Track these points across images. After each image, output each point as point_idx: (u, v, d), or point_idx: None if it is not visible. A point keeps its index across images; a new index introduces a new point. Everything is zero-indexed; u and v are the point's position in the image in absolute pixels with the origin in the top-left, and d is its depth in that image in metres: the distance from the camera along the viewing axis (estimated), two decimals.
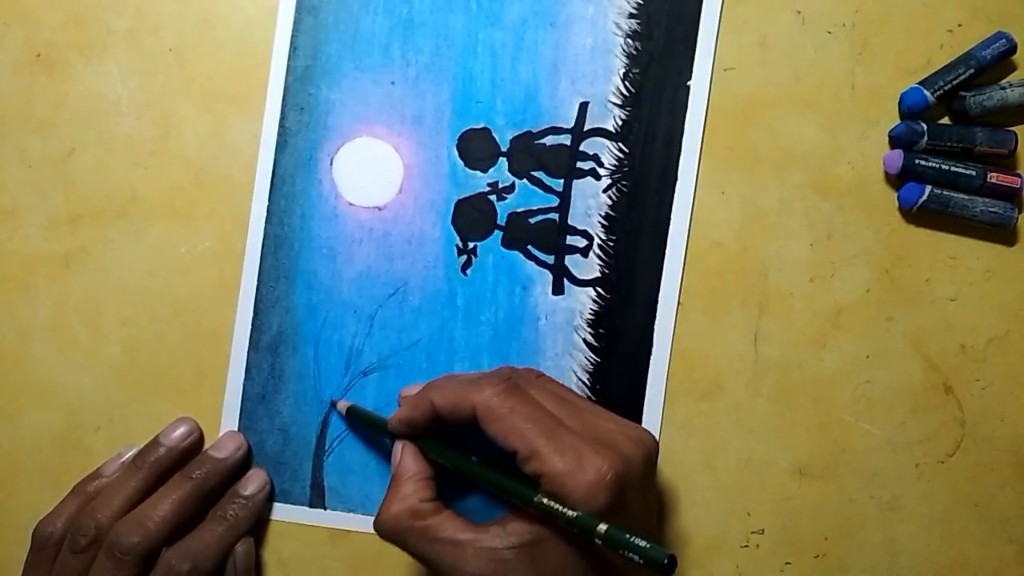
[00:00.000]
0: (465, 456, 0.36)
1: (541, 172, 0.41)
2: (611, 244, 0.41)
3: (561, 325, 0.41)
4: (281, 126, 0.42)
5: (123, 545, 0.36)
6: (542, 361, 0.41)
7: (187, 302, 0.42)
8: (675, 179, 0.41)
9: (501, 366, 0.40)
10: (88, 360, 0.42)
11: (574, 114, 0.41)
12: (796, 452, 0.41)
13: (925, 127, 0.40)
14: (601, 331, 0.41)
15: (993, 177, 0.40)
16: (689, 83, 0.41)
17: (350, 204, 0.42)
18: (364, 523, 0.41)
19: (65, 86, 0.42)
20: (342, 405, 0.41)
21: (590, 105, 0.41)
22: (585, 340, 0.41)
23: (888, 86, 0.41)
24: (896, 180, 0.41)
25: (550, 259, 0.41)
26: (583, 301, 0.41)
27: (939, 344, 0.41)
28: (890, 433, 0.41)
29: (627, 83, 0.41)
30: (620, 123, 0.41)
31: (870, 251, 0.41)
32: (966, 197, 0.40)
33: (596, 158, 0.41)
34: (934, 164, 0.40)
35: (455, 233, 0.41)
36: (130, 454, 0.40)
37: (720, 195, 0.41)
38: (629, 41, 0.41)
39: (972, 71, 0.40)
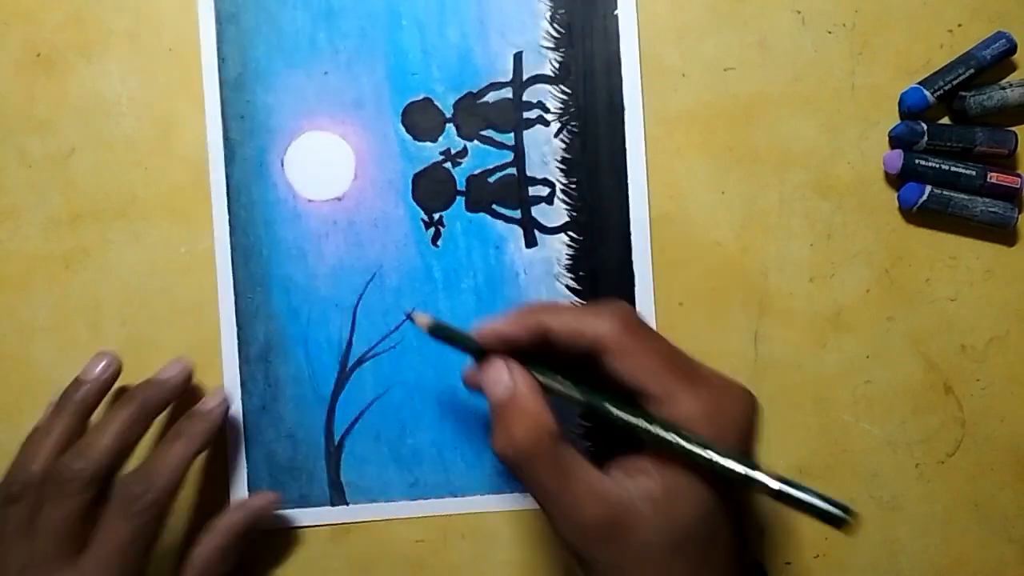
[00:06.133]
0: (591, 390, 0.32)
1: (490, 130, 0.41)
2: (573, 187, 0.41)
3: (541, 276, 0.41)
4: (225, 138, 0.42)
5: (68, 471, 0.34)
6: None
7: (187, 302, 0.42)
8: (622, 108, 0.41)
9: (615, 300, 0.34)
10: (88, 360, 0.42)
11: (510, 66, 0.41)
12: (796, 452, 0.41)
13: (925, 127, 0.40)
14: (581, 274, 0.41)
15: (993, 177, 0.40)
16: (616, 11, 0.41)
17: (309, 201, 0.42)
18: (384, 511, 0.41)
19: (65, 86, 0.42)
20: (422, 320, 0.35)
21: (524, 54, 0.41)
22: (568, 286, 0.41)
23: (888, 86, 0.41)
24: (896, 180, 0.41)
25: (516, 214, 0.41)
26: (557, 248, 0.41)
27: (939, 344, 0.41)
28: (890, 433, 0.41)
29: (555, 25, 0.41)
30: (557, 65, 0.41)
31: (870, 251, 0.41)
32: (966, 197, 0.40)
33: (541, 105, 0.41)
34: (934, 164, 0.40)
35: (418, 207, 0.41)
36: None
37: (720, 195, 0.41)
38: None
39: (972, 71, 0.40)
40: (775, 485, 0.28)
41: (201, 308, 0.42)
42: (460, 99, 0.41)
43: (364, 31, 0.41)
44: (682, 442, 0.29)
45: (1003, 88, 0.40)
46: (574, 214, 0.41)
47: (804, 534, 0.41)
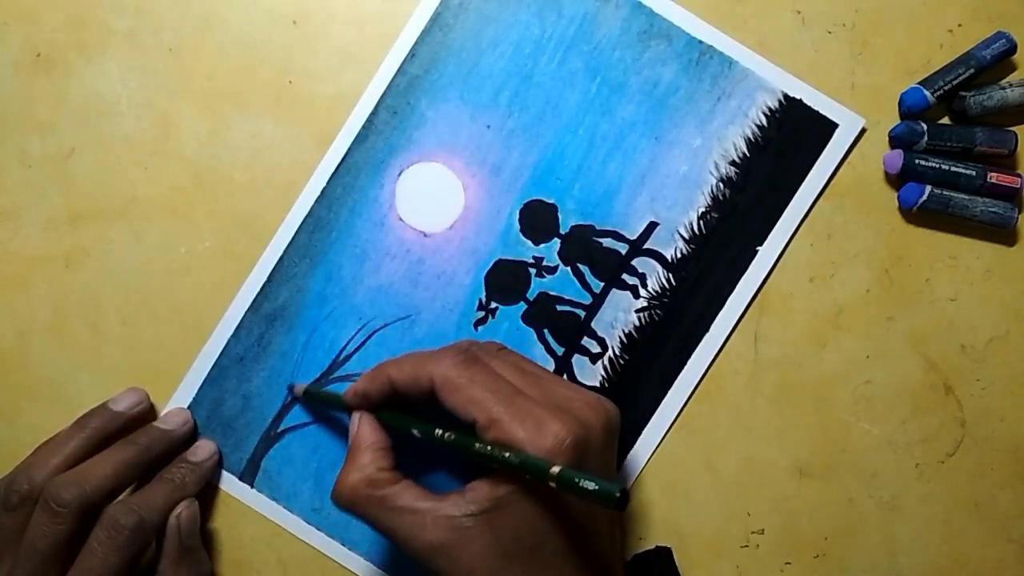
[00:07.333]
0: (419, 419, 0.35)
1: (587, 267, 0.41)
2: (621, 362, 0.41)
3: None
4: (369, 120, 0.42)
5: (60, 499, 0.35)
6: None
7: (187, 302, 0.42)
8: (705, 330, 0.41)
9: (461, 339, 0.40)
10: (88, 360, 0.42)
11: (640, 229, 0.41)
12: (796, 452, 0.41)
13: (925, 127, 0.40)
14: None
15: (993, 177, 0.40)
16: (759, 248, 0.41)
17: (400, 219, 0.42)
18: (277, 514, 0.41)
19: (65, 86, 0.42)
20: (299, 387, 0.41)
21: (658, 228, 0.41)
22: None
23: (888, 86, 0.41)
24: (896, 180, 0.41)
25: (560, 351, 0.41)
26: None
27: (939, 344, 0.41)
28: (890, 433, 0.41)
29: (702, 222, 0.41)
30: (679, 256, 0.41)
31: (870, 251, 0.41)
32: (966, 197, 0.40)
33: (643, 277, 0.41)
34: (934, 164, 0.40)
35: (483, 288, 0.41)
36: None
37: None
38: (720, 185, 0.41)
39: (972, 71, 0.40)
40: (555, 470, 0.30)
41: (201, 308, 0.42)
42: (580, 225, 0.41)
43: (543, 114, 0.41)
44: (493, 451, 0.32)
45: (1003, 88, 0.40)
46: (607, 384, 0.41)
47: (804, 534, 0.41)
